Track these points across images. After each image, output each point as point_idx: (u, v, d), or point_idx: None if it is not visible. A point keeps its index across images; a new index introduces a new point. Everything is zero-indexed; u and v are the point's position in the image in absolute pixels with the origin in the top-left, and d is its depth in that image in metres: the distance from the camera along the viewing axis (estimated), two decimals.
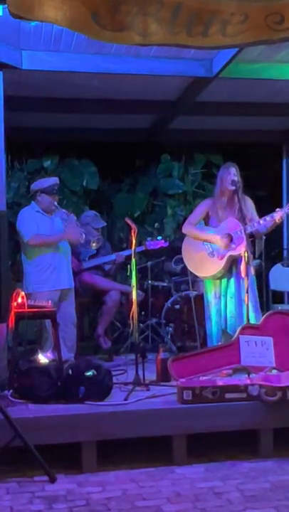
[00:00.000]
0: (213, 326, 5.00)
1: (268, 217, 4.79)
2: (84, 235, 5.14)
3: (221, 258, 4.92)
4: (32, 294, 4.90)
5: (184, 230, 5.19)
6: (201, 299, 5.48)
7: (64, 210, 5.23)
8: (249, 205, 5.04)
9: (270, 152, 7.97)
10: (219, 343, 4.84)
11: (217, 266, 4.94)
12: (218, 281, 5.00)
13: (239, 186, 4.90)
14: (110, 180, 7.86)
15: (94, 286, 5.85)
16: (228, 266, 4.93)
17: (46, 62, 5.09)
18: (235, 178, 4.92)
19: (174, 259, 6.34)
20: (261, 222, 4.82)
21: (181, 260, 5.44)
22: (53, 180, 5.24)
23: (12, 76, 4.96)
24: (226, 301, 4.96)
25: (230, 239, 4.91)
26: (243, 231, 4.77)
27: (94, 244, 5.62)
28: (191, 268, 5.17)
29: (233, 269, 4.94)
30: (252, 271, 4.74)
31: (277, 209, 4.78)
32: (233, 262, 4.92)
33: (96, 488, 3.43)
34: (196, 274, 5.19)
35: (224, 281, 4.98)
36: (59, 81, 5.57)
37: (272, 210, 4.80)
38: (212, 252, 4.98)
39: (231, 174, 4.95)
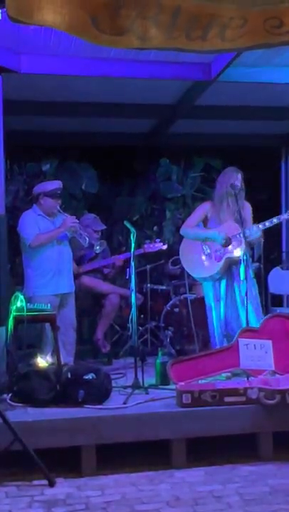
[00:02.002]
0: (215, 329, 5.00)
1: (267, 223, 4.81)
2: (87, 239, 5.14)
3: (219, 260, 4.93)
4: (32, 297, 4.90)
5: (182, 231, 5.19)
6: (199, 302, 5.48)
7: (66, 214, 5.22)
8: (247, 209, 5.04)
9: (270, 156, 7.98)
10: (218, 347, 4.85)
11: (214, 267, 4.94)
12: (217, 284, 5.01)
13: (239, 190, 4.91)
14: (109, 183, 7.87)
15: (93, 289, 5.84)
16: (225, 268, 4.94)
17: (45, 66, 5.10)
18: (236, 182, 4.92)
19: (171, 260, 6.35)
20: (260, 226, 4.84)
21: (179, 261, 5.45)
22: (57, 184, 5.24)
23: (11, 80, 4.98)
24: (225, 304, 4.96)
25: (229, 241, 4.91)
26: (241, 234, 4.78)
27: (98, 248, 5.62)
28: (188, 269, 5.18)
29: (232, 271, 4.95)
30: (251, 274, 4.75)
31: (275, 218, 4.82)
32: (232, 265, 4.93)
33: (95, 491, 3.43)
34: (193, 275, 5.20)
35: (223, 283, 4.99)
36: (58, 85, 5.58)
37: (272, 214, 4.82)
38: (210, 253, 4.99)
39: (233, 178, 4.95)
